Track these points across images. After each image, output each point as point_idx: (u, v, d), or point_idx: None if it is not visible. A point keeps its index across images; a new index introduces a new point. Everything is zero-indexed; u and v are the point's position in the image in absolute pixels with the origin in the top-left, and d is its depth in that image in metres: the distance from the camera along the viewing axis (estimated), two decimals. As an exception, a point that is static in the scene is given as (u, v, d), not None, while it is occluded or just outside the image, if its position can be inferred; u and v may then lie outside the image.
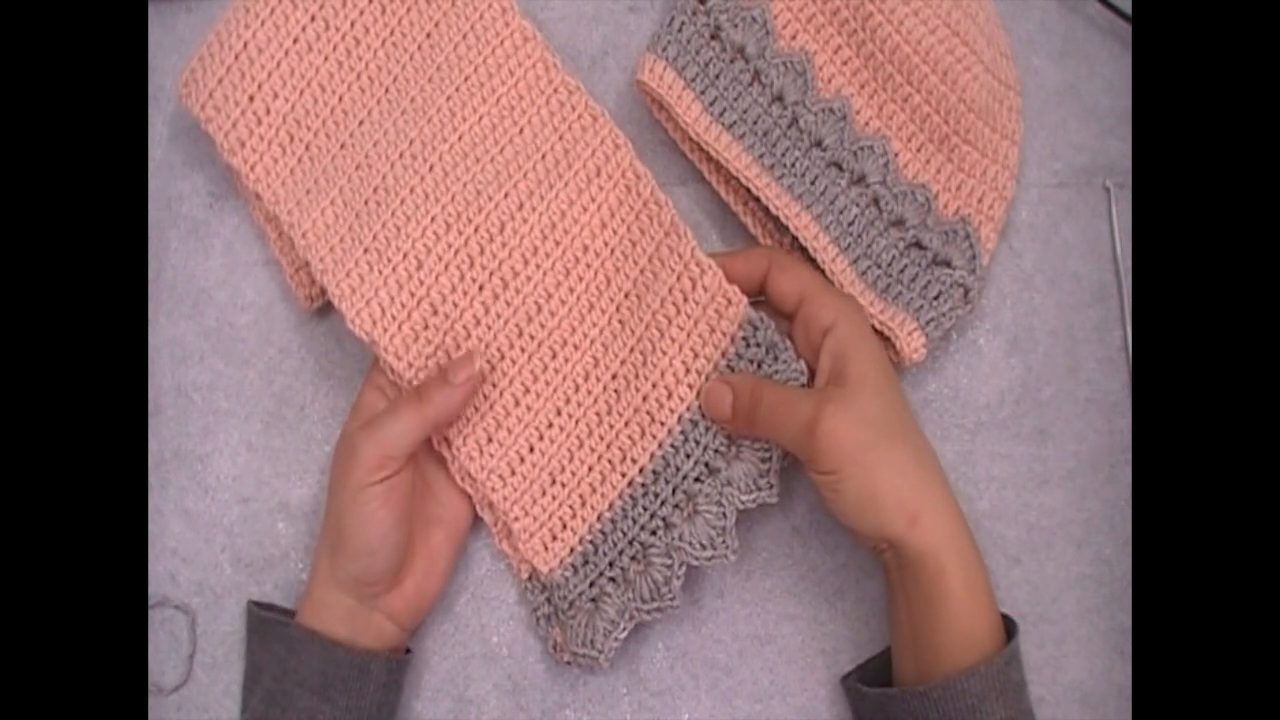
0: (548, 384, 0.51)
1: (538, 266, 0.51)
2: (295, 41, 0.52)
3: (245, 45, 0.51)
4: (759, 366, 0.50)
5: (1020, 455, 0.55)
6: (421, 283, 0.50)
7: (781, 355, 0.49)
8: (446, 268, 0.50)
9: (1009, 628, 0.47)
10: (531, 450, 0.51)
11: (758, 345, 0.50)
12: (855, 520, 0.46)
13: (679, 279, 0.51)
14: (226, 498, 0.55)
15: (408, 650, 0.52)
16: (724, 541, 0.49)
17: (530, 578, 0.52)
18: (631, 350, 0.51)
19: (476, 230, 0.51)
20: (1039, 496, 0.54)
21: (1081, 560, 0.54)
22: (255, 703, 0.49)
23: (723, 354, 0.50)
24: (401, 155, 0.51)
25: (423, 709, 0.53)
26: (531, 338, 0.51)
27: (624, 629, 0.49)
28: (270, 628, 0.50)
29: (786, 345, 0.49)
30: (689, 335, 0.50)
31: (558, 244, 0.51)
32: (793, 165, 0.53)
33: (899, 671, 0.48)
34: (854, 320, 0.48)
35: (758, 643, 0.53)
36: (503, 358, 0.51)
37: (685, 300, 0.51)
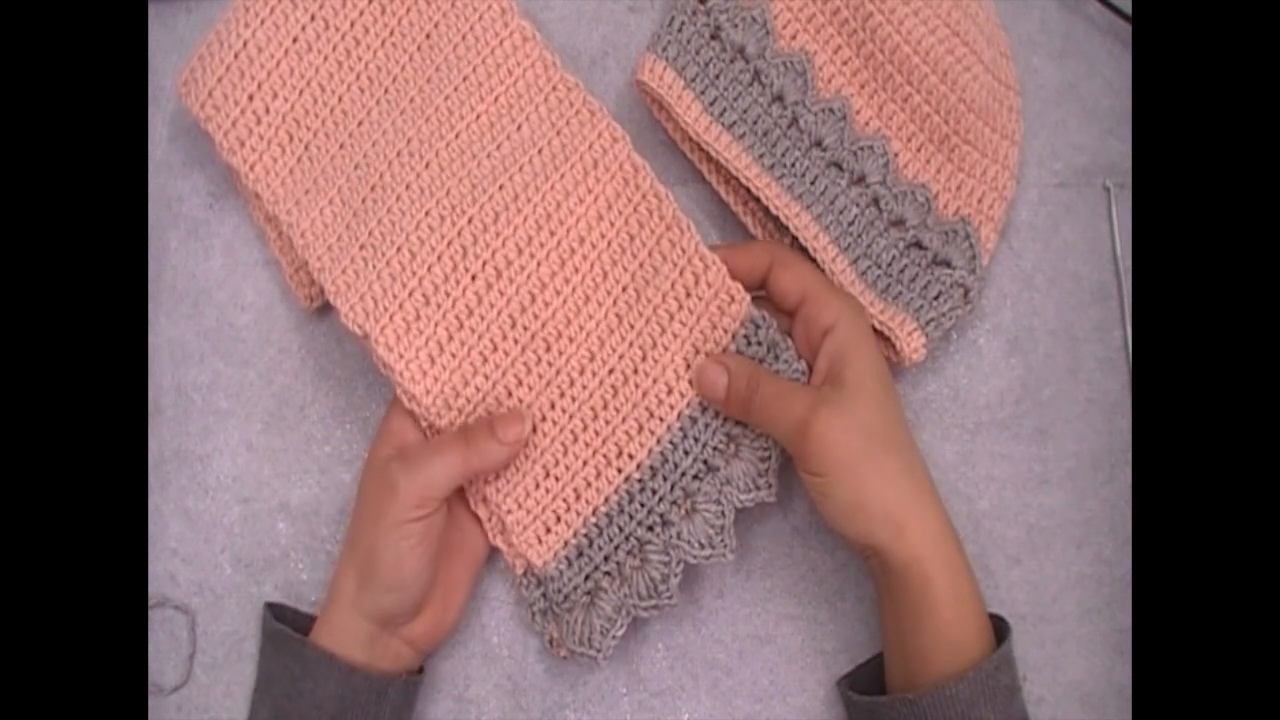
0: (541, 377, 0.51)
1: (531, 256, 0.51)
2: (295, 41, 0.52)
3: (245, 45, 0.51)
4: (760, 364, 0.50)
5: (1020, 455, 0.55)
6: (414, 274, 0.50)
7: (783, 354, 0.49)
8: (439, 259, 0.50)
9: (1001, 631, 0.47)
10: (525, 443, 0.51)
11: (759, 343, 0.50)
12: (842, 525, 0.46)
13: (681, 274, 0.51)
14: (226, 498, 0.55)
15: (420, 669, 0.52)
16: (722, 540, 0.49)
17: (525, 573, 0.52)
18: (630, 345, 0.51)
19: (470, 221, 0.50)
20: (1039, 496, 0.54)
21: (1081, 560, 0.54)
22: (264, 715, 0.49)
23: (723, 351, 0.50)
24: (399, 153, 0.51)
25: (423, 709, 0.53)
26: (525, 328, 0.51)
27: (621, 625, 0.49)
28: (285, 642, 0.49)
29: (788, 344, 0.49)
30: (690, 331, 0.50)
31: (553, 234, 0.51)
32: (793, 165, 0.53)
33: (890, 676, 0.48)
34: (855, 323, 0.48)
35: (758, 643, 0.53)
36: (495, 349, 0.50)
37: (688, 296, 0.50)
